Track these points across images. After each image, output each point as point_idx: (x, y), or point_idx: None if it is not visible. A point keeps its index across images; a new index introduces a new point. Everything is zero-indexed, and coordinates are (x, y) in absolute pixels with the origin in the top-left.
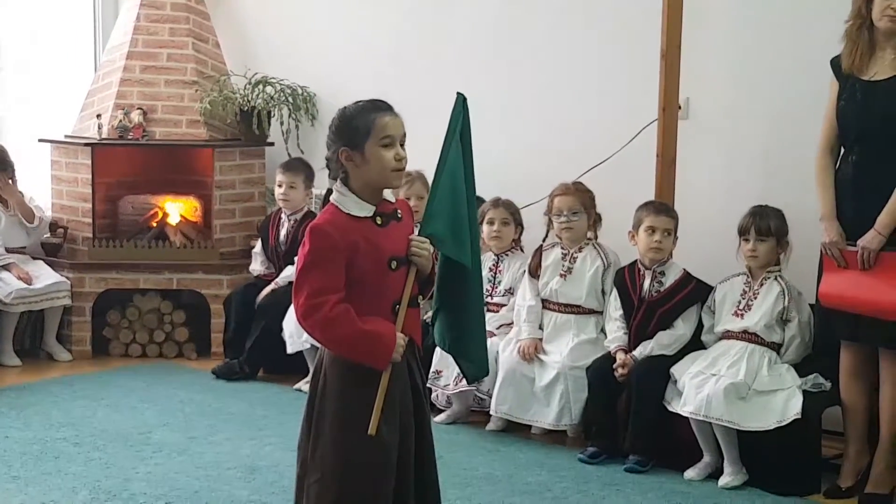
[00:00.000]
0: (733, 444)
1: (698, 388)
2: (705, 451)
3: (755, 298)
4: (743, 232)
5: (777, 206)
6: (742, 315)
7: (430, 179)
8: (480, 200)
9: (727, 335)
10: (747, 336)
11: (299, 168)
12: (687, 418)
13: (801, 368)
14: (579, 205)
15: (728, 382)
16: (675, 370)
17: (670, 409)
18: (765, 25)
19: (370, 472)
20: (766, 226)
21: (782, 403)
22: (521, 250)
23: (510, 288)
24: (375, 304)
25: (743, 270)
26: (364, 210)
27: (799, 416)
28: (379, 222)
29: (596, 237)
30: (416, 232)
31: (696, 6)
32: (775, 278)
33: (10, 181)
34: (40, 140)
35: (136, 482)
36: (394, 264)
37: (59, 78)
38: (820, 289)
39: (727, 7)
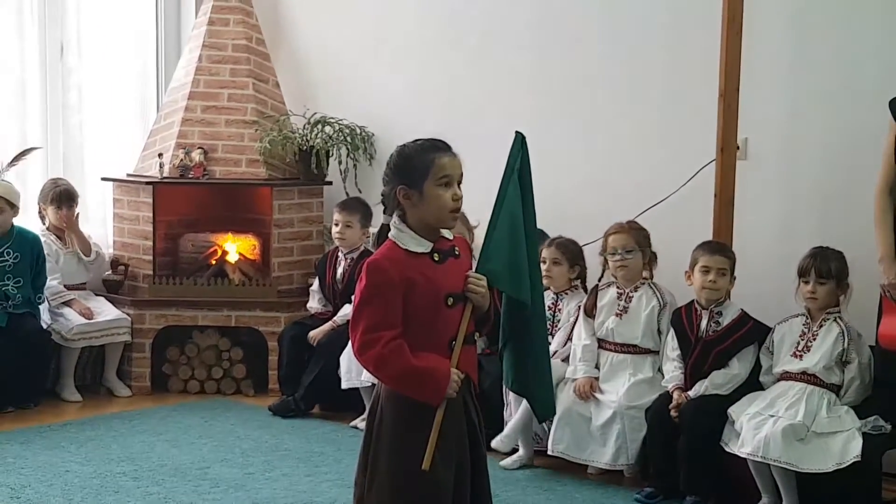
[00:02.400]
0: (792, 486)
1: (756, 429)
2: (763, 492)
3: (814, 339)
4: (803, 273)
5: (836, 247)
6: (801, 356)
7: (474, 217)
8: (545, 236)
9: (785, 376)
10: (806, 377)
11: (356, 207)
12: (745, 459)
13: (861, 410)
14: (633, 243)
15: (786, 424)
16: (733, 411)
17: (728, 450)
18: (823, 66)
19: None
20: (826, 268)
21: (841, 445)
22: (584, 290)
23: (569, 327)
24: (432, 341)
25: (802, 311)
26: (422, 246)
27: (859, 459)
28: (436, 259)
29: (651, 276)
30: (474, 269)
31: (754, 46)
32: (835, 319)
33: (75, 215)
34: (103, 178)
35: None
36: (450, 301)
37: (122, 118)
38: (879, 330)
39: (785, 47)
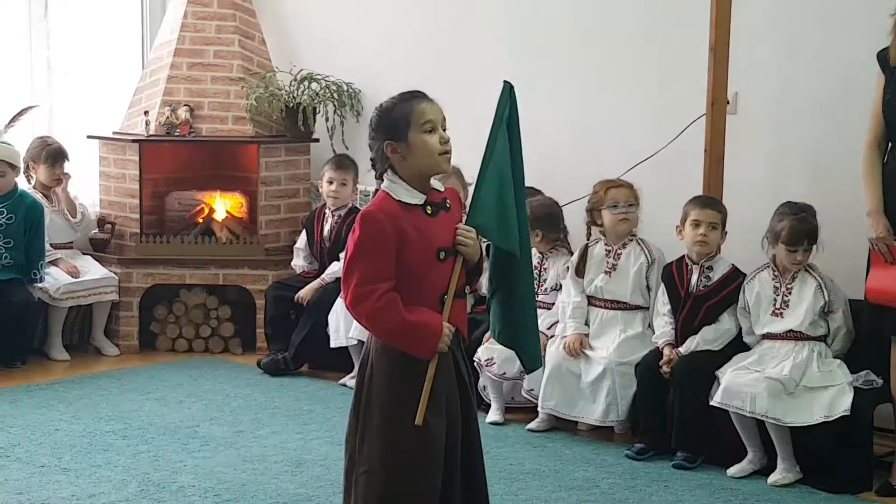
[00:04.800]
0: (786, 441)
1: (744, 385)
2: (749, 447)
3: (790, 294)
4: (792, 242)
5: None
6: (781, 314)
7: (467, 172)
8: (535, 191)
9: (769, 337)
10: (793, 335)
11: (350, 166)
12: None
13: (852, 365)
14: (634, 198)
15: (773, 379)
16: (721, 374)
17: (713, 403)
18: (813, 19)
19: (418, 463)
20: (814, 233)
21: (831, 399)
22: (568, 249)
23: (556, 285)
24: (423, 295)
25: (766, 263)
26: (415, 198)
27: (847, 413)
28: (429, 211)
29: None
30: (464, 222)
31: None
32: (806, 271)
33: (65, 174)
34: (89, 136)
35: (184, 475)
36: (442, 255)
37: (107, 75)
38: (867, 284)
39: (776, 0)
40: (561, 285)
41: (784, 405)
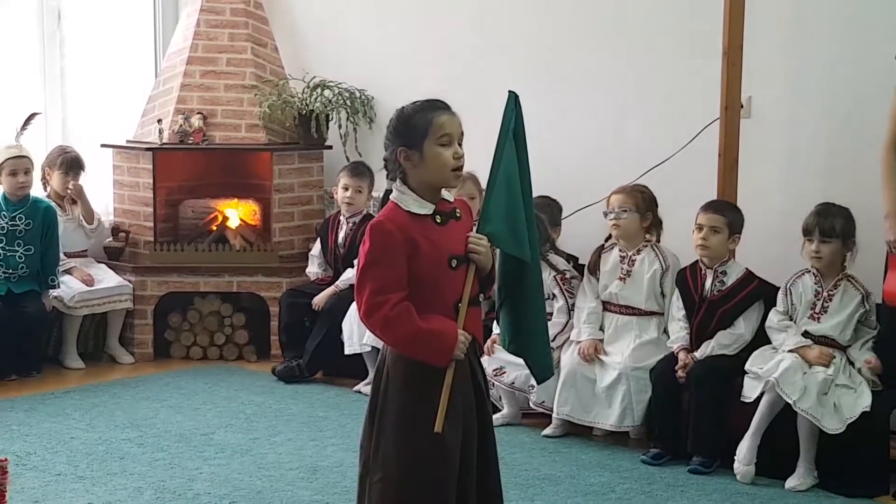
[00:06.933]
0: (813, 443)
1: (800, 379)
2: (753, 430)
3: (830, 301)
4: (807, 232)
5: (841, 204)
6: (818, 318)
7: (483, 179)
8: (549, 199)
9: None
10: (827, 341)
11: (366, 173)
12: (749, 422)
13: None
14: (631, 203)
15: (822, 377)
16: (751, 366)
17: (771, 378)
18: (826, 22)
19: (433, 471)
20: (830, 226)
21: (853, 402)
22: (549, 263)
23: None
24: (437, 303)
25: (809, 269)
26: (424, 208)
27: (868, 409)
28: (438, 220)
29: (658, 240)
30: (474, 231)
31: (757, 3)
32: (848, 280)
33: (75, 185)
34: (103, 145)
35: (200, 482)
36: (454, 263)
37: (120, 84)
38: (885, 287)
39: (789, 3)
40: (552, 294)
41: (823, 409)
